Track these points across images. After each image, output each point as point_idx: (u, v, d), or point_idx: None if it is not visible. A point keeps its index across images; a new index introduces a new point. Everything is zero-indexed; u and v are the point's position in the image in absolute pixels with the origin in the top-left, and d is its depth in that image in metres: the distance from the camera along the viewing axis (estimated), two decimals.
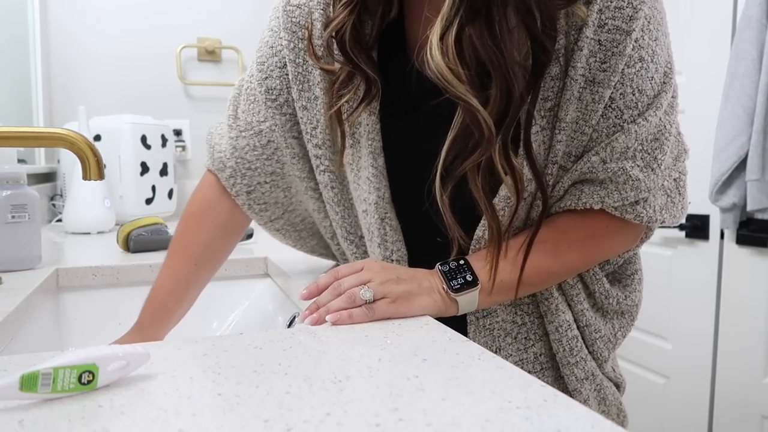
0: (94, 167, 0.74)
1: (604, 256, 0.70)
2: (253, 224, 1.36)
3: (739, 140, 1.49)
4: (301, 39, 0.71)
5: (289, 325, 0.82)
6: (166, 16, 2.03)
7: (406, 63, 0.68)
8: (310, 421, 0.35)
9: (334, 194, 0.75)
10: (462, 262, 0.63)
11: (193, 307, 0.83)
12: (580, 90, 0.60)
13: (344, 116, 0.70)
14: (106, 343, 0.72)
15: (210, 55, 2.09)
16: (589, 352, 0.72)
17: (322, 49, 0.70)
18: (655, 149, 0.62)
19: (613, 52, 0.58)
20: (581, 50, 0.58)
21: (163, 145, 1.75)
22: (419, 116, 0.69)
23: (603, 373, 0.74)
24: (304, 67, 0.72)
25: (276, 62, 0.74)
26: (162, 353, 0.47)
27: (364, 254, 0.77)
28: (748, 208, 1.50)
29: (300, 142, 0.76)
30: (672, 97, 0.64)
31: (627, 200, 0.63)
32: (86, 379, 0.38)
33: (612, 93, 0.60)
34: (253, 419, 0.35)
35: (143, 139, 1.66)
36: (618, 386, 0.78)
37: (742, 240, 1.58)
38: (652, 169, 0.62)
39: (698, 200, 1.65)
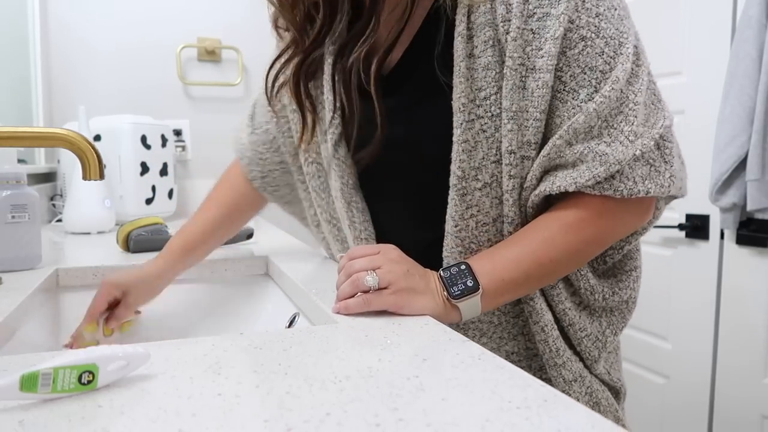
0: (94, 167, 0.74)
1: (606, 238, 0.68)
2: (252, 224, 1.36)
3: (739, 140, 1.48)
4: None
5: (289, 325, 0.82)
6: (166, 16, 2.03)
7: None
8: (310, 421, 0.35)
9: (319, 183, 0.84)
10: (463, 266, 0.63)
11: (193, 307, 0.84)
12: (523, 79, 0.62)
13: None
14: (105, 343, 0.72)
15: (210, 55, 2.09)
16: (576, 353, 0.71)
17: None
18: (621, 122, 0.62)
19: (546, 38, 0.60)
20: (515, 41, 0.61)
21: (163, 145, 1.75)
22: (372, 107, 0.72)
23: (594, 375, 0.73)
24: None
25: None
26: (162, 353, 0.47)
27: (345, 237, 0.84)
28: (748, 208, 1.50)
29: (293, 141, 0.88)
30: (636, 65, 0.63)
31: (599, 177, 0.62)
32: (86, 379, 0.39)
33: (562, 77, 0.61)
34: (253, 419, 0.35)
35: (143, 139, 1.66)
36: (617, 392, 0.76)
37: (742, 240, 1.58)
38: (620, 142, 0.61)
39: (698, 200, 1.65)
